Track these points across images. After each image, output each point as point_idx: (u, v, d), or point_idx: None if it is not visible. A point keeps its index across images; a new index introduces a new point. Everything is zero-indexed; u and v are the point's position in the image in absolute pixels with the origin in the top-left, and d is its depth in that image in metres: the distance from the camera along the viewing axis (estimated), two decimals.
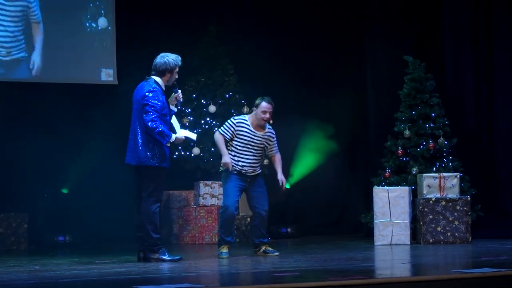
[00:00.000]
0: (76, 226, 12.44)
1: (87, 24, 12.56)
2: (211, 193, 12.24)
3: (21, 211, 12.01)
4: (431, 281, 6.71)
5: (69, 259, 9.72)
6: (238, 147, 9.54)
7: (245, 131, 9.54)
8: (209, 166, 12.54)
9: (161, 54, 9.13)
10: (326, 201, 13.60)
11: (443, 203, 10.84)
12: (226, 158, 9.47)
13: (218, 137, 9.57)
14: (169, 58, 9.09)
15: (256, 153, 9.60)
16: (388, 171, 11.61)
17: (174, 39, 12.18)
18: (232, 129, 9.52)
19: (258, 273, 7.87)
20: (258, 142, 9.60)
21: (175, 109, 9.29)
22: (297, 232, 12.76)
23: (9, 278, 7.69)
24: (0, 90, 12.04)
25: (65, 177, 12.64)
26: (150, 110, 8.86)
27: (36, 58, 12.24)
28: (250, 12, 13.21)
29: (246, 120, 9.59)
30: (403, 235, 10.85)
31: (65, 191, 12.70)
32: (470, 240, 10.77)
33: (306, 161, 13.13)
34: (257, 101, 9.64)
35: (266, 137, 9.65)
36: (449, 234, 10.79)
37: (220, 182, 10.04)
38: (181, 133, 9.28)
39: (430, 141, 11.49)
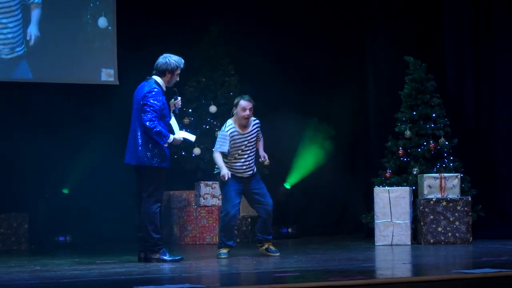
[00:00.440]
0: (77, 226, 12.44)
1: (88, 24, 12.55)
2: (211, 193, 12.22)
3: (21, 211, 12.01)
4: (432, 281, 6.71)
5: (69, 259, 9.72)
6: (232, 153, 9.50)
7: (237, 136, 9.49)
8: (209, 167, 12.51)
9: (164, 55, 9.12)
10: (327, 201, 13.58)
11: (444, 203, 10.83)
12: (224, 171, 9.41)
13: (217, 156, 9.47)
14: (171, 58, 9.07)
15: (250, 151, 9.57)
16: (388, 172, 11.60)
17: (175, 39, 12.19)
18: (228, 141, 9.45)
19: (259, 273, 7.88)
20: (250, 139, 9.56)
21: (172, 115, 9.25)
22: (297, 232, 12.75)
23: (10, 278, 7.70)
24: (0, 90, 12.04)
25: (66, 177, 12.63)
26: (149, 110, 8.84)
27: (33, 30, 12.13)
28: (251, 12, 13.19)
29: (233, 125, 9.51)
30: (404, 236, 10.85)
31: (65, 191, 12.70)
32: (471, 240, 10.77)
33: (307, 161, 13.12)
34: (235, 101, 9.57)
35: (255, 130, 9.62)
36: (450, 234, 10.78)
37: None
38: (180, 134, 9.25)
39: (431, 142, 11.48)
